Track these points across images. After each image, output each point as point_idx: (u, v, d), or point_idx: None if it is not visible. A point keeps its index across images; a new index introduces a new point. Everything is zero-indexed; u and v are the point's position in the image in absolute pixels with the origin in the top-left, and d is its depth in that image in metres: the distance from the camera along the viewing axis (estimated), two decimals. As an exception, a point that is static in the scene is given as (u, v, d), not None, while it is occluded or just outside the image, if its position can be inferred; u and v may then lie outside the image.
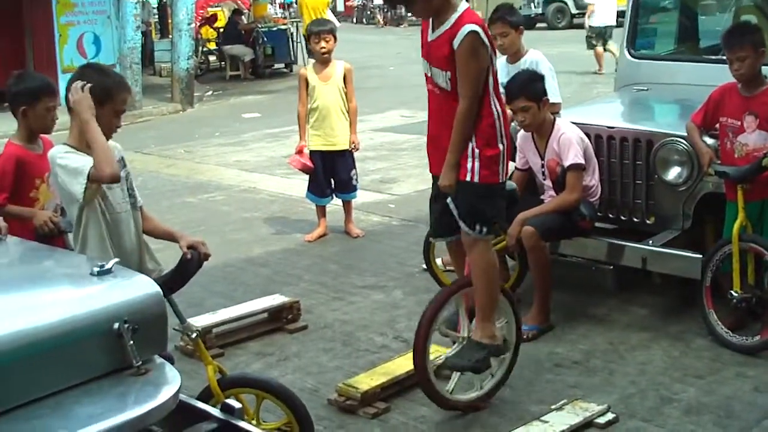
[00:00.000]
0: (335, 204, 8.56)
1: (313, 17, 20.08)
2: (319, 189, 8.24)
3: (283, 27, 23.42)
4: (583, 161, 5.88)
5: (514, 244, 5.90)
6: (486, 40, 4.58)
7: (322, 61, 8.03)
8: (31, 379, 2.75)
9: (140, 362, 2.97)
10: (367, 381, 5.13)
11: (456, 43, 4.53)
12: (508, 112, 6.37)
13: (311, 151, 8.13)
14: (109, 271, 3.12)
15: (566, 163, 5.87)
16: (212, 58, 23.86)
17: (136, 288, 3.12)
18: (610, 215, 6.36)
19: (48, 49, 18.20)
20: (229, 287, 7.07)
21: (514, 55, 6.78)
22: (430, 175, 5.04)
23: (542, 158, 6.07)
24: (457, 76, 4.58)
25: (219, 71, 23.13)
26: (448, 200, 4.75)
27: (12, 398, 2.70)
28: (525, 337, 5.80)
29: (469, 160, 4.64)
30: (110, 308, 2.98)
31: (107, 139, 4.06)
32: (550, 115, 6.04)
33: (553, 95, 6.28)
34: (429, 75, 4.78)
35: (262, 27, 22.58)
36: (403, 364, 5.30)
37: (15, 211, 4.83)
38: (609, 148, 6.26)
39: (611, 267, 6.13)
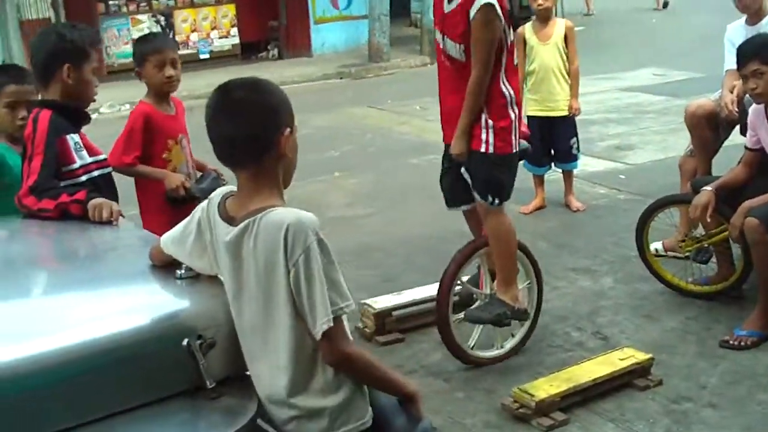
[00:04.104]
0: (557, 171, 7.91)
1: None
2: (535, 157, 7.43)
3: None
4: (826, 142, 5.00)
5: (737, 235, 5.14)
6: (500, 12, 4.59)
7: (542, 18, 7.39)
8: (83, 399, 2.40)
9: (213, 384, 2.56)
10: (545, 387, 4.55)
11: (471, 13, 4.59)
12: (738, 83, 5.59)
13: (528, 117, 7.43)
14: (196, 276, 2.75)
15: (805, 144, 5.01)
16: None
17: (213, 298, 2.70)
18: None
19: (300, 0, 18.33)
20: (430, 261, 6.48)
21: (756, 15, 5.91)
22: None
23: (777, 137, 5.22)
24: (471, 47, 4.65)
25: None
26: (462, 170, 4.90)
27: (63, 420, 2.36)
28: (743, 343, 5.07)
29: (483, 131, 4.76)
30: (181, 320, 2.59)
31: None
32: (789, 86, 5.17)
33: (797, 62, 5.37)
34: (442, 46, 4.86)
35: (519, -23, 21.96)
36: (592, 369, 4.73)
37: (146, 171, 4.68)
38: None
39: None
